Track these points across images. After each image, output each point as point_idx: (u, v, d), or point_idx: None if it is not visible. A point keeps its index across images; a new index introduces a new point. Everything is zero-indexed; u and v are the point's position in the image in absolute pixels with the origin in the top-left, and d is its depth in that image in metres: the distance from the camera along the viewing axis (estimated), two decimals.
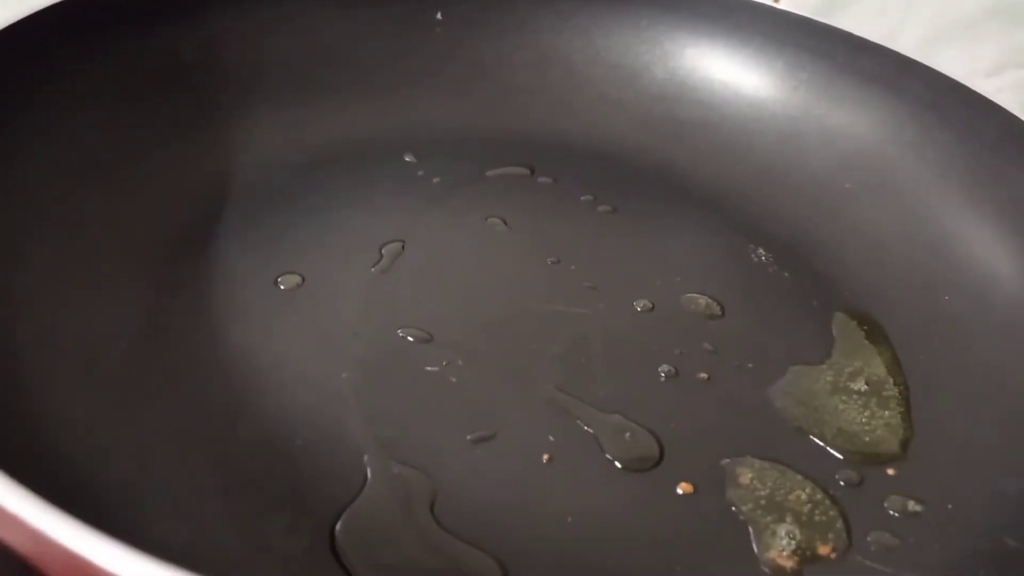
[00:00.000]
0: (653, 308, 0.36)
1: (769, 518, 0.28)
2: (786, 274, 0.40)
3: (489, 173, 0.43)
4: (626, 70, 0.49)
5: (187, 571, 0.17)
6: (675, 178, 0.45)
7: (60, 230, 0.33)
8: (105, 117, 0.37)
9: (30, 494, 0.18)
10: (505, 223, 0.40)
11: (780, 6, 0.48)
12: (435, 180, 0.42)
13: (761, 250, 0.41)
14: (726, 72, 0.48)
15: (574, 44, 0.49)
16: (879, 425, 0.32)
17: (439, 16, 0.48)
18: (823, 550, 0.28)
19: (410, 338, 0.33)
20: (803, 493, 0.29)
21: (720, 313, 0.37)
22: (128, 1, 0.39)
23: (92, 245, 0.33)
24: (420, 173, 0.43)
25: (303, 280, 0.35)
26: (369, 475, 0.28)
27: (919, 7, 0.58)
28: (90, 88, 0.37)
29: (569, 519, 0.28)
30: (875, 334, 0.36)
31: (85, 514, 0.18)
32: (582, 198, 0.43)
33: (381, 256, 0.37)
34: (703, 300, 0.37)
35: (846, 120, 0.44)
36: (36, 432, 0.26)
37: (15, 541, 0.19)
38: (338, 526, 0.26)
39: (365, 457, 0.29)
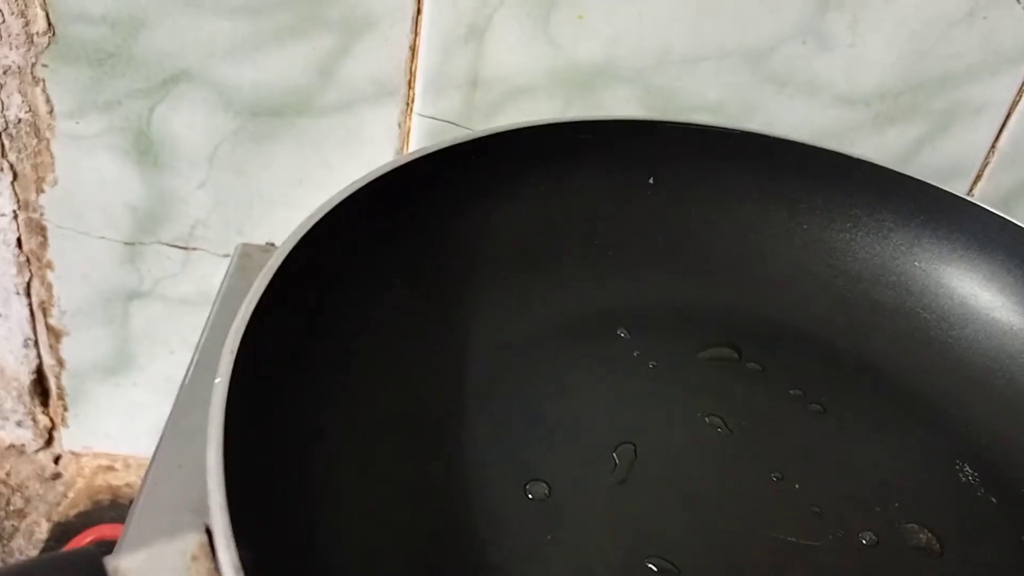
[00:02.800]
0: (878, 543, 0.37)
1: None
2: (993, 499, 0.40)
3: (700, 356, 0.45)
4: (826, 245, 0.50)
5: None
6: (875, 367, 0.46)
7: (338, 437, 0.34)
8: (367, 316, 0.39)
9: None
10: (725, 424, 0.41)
11: (979, 198, 0.48)
12: (651, 364, 0.43)
13: (968, 467, 0.42)
14: (928, 262, 0.48)
15: (777, 214, 0.50)
16: None
17: (651, 180, 0.49)
18: None
19: (655, 568, 0.35)
20: None
21: (939, 551, 0.38)
22: (382, 187, 0.40)
23: (360, 446, 0.35)
24: (636, 354, 0.44)
25: (549, 491, 0.37)
26: None
27: None
28: (349, 290, 0.39)
29: None
30: None
31: None
32: (791, 392, 0.44)
33: (615, 463, 0.39)
34: (923, 535, 0.38)
35: None
36: None
37: None
38: None
39: None
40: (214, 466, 0.26)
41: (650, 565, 0.35)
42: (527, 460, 0.38)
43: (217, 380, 0.28)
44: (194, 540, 0.25)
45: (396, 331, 0.39)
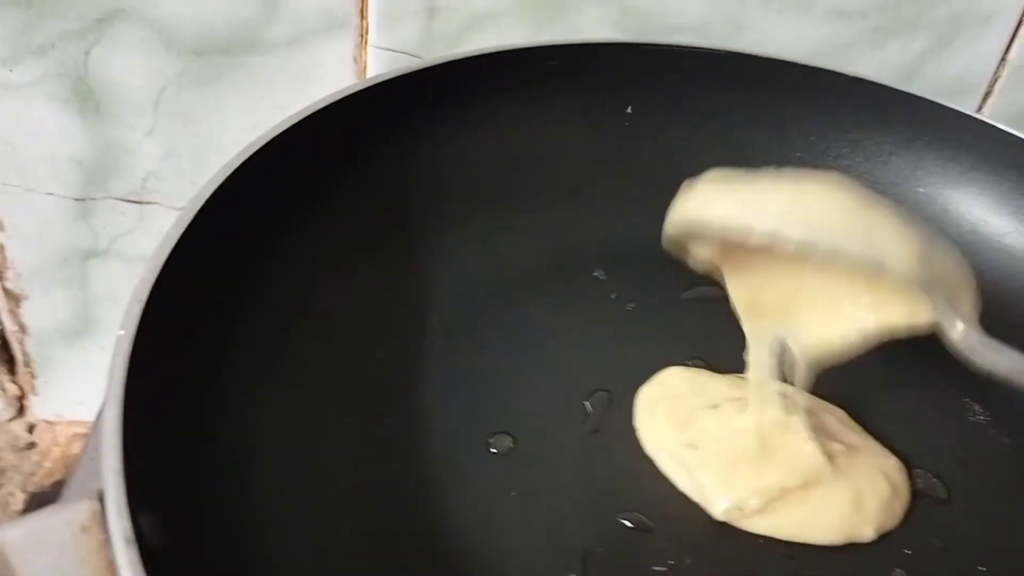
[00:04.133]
0: None
1: None
2: (1005, 440, 0.37)
3: (684, 295, 0.41)
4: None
5: None
6: None
7: (275, 388, 0.32)
8: (305, 247, 0.36)
9: None
10: (710, 368, 0.38)
11: (990, 116, 0.44)
12: (629, 307, 0.40)
13: (977, 407, 0.38)
14: (934, 187, 0.45)
15: (769, 143, 0.46)
16: None
17: (629, 110, 0.45)
18: None
19: (629, 524, 0.32)
20: None
21: (946, 497, 0.35)
22: (328, 119, 0.37)
23: (304, 401, 0.32)
24: (613, 296, 0.41)
25: (515, 443, 0.34)
26: None
27: None
28: (292, 218, 0.36)
29: None
30: None
31: None
32: None
33: (588, 412, 0.36)
34: (928, 479, 0.35)
35: None
36: None
37: None
38: None
39: None
40: (110, 426, 0.23)
41: (623, 521, 0.32)
42: (491, 412, 0.35)
43: (120, 332, 0.26)
44: (85, 509, 0.22)
45: (346, 272, 0.36)
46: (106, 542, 0.22)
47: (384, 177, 0.39)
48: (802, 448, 0.33)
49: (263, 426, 0.30)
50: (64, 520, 0.22)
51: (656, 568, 0.31)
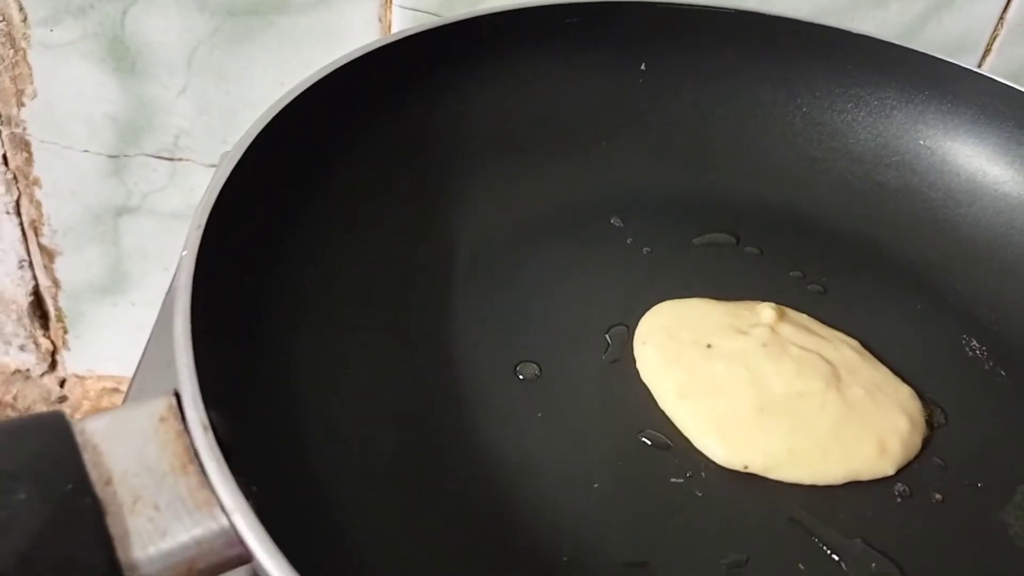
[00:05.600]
0: None
1: None
2: (1002, 372, 0.39)
3: (696, 241, 0.44)
4: (827, 128, 0.48)
5: None
6: (878, 248, 0.45)
7: (319, 321, 0.34)
8: (344, 192, 0.38)
9: None
10: None
11: (988, 71, 0.46)
12: (645, 250, 0.42)
13: (975, 342, 0.41)
14: (934, 139, 0.47)
15: (776, 97, 0.48)
16: None
17: (643, 67, 0.47)
18: None
19: (648, 442, 0.34)
20: None
21: (944, 421, 0.37)
22: (358, 70, 0.39)
23: (346, 333, 0.34)
24: (629, 240, 0.43)
25: (540, 371, 0.36)
26: None
27: None
28: (330, 164, 0.38)
29: None
30: None
31: None
32: (791, 274, 0.43)
33: (608, 344, 0.38)
34: (929, 405, 0.37)
35: None
36: (328, 533, 0.27)
37: None
38: None
39: None
40: (181, 329, 0.25)
41: (643, 439, 0.34)
42: (517, 343, 0.37)
43: (183, 253, 0.28)
44: (162, 403, 0.25)
45: (379, 215, 0.38)
46: (183, 432, 0.24)
47: (411, 128, 0.41)
48: (812, 398, 0.35)
49: (308, 350, 0.32)
50: (144, 412, 0.24)
51: (674, 480, 0.33)
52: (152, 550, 0.22)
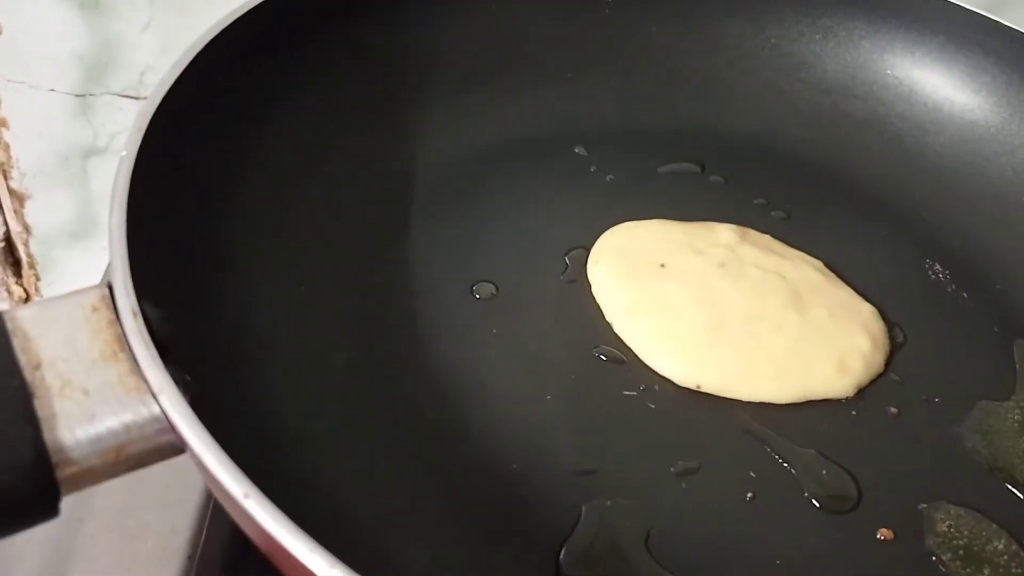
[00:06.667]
0: None
1: (969, 570, 0.29)
2: (964, 295, 0.39)
3: (660, 170, 0.43)
4: (795, 59, 0.48)
5: None
6: (844, 177, 0.45)
7: (270, 235, 0.34)
8: (300, 112, 0.37)
9: (280, 516, 0.20)
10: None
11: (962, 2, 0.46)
12: (608, 177, 0.42)
13: (938, 266, 0.40)
14: (902, 69, 0.46)
15: (744, 30, 0.48)
16: None
17: None
18: None
19: (603, 357, 0.34)
20: (999, 544, 0.30)
21: (903, 340, 0.37)
22: None
23: (297, 247, 0.34)
24: (593, 168, 0.43)
25: (497, 290, 0.36)
26: (584, 508, 0.29)
27: None
28: (287, 82, 0.37)
29: (777, 562, 0.29)
30: None
31: (329, 535, 0.19)
32: (755, 201, 0.42)
33: (567, 265, 0.38)
34: (889, 325, 0.37)
35: None
36: (284, 450, 0.27)
37: (259, 542, 0.21)
38: (562, 558, 0.28)
39: (579, 485, 0.30)
40: (116, 222, 0.25)
41: (598, 355, 0.34)
42: (475, 264, 0.37)
43: (123, 154, 0.28)
44: (95, 293, 0.24)
45: (335, 138, 0.38)
46: (114, 320, 0.24)
47: (371, 55, 0.41)
48: (769, 319, 0.35)
49: (254, 260, 0.32)
50: (75, 301, 0.24)
51: (627, 393, 0.33)
52: (80, 432, 0.22)
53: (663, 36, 0.47)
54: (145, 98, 0.51)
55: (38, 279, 0.59)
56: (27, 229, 0.56)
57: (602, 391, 0.33)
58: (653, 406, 0.33)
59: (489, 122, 0.43)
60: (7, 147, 0.52)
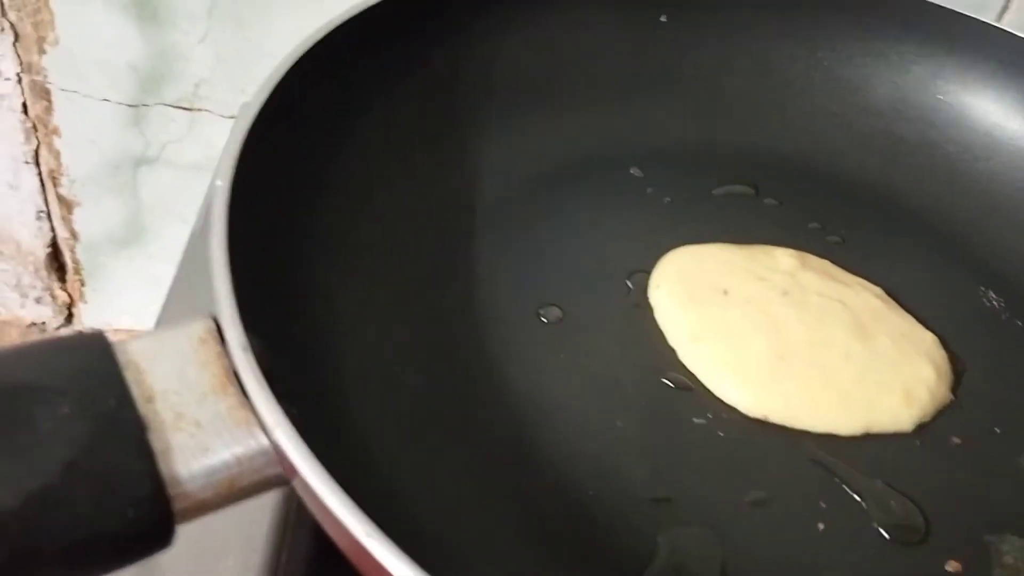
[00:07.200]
0: None
1: None
2: (1019, 322, 0.40)
3: (716, 191, 0.44)
4: (846, 82, 0.48)
5: None
6: (897, 201, 0.45)
7: (346, 261, 0.34)
8: (369, 132, 0.38)
9: (401, 554, 0.20)
10: None
11: (1007, 26, 0.46)
12: (666, 200, 0.43)
13: (992, 293, 0.41)
14: (953, 94, 0.47)
15: (796, 51, 0.48)
16: None
17: (663, 19, 0.47)
18: None
19: (671, 383, 0.35)
20: None
21: (963, 369, 0.37)
22: (383, 14, 0.39)
23: (371, 271, 0.35)
24: (649, 190, 0.43)
25: (563, 313, 0.36)
26: (660, 537, 0.30)
27: None
28: (357, 104, 0.38)
29: None
30: None
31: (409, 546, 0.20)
32: (809, 225, 0.43)
33: (630, 288, 0.38)
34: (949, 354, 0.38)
35: None
36: (381, 481, 0.28)
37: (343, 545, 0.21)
38: None
39: (654, 513, 0.30)
40: (218, 254, 0.25)
41: (665, 381, 0.35)
42: (540, 286, 0.37)
43: (218, 183, 0.28)
44: (201, 325, 0.25)
45: (402, 160, 0.38)
46: (222, 353, 0.24)
47: (434, 75, 0.42)
48: (835, 347, 0.35)
49: (342, 286, 0.32)
50: (183, 333, 0.25)
51: (696, 420, 0.33)
52: (195, 465, 0.23)
53: (716, 55, 0.48)
54: (199, 110, 0.51)
55: (83, 284, 0.59)
56: (74, 235, 0.56)
57: (672, 418, 0.33)
58: (722, 434, 0.33)
59: (546, 141, 0.44)
60: (58, 154, 0.53)
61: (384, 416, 0.30)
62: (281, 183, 0.31)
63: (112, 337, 0.54)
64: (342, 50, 0.36)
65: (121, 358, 0.24)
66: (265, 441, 0.23)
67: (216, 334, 0.25)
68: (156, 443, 0.23)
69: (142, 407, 0.23)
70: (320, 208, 0.33)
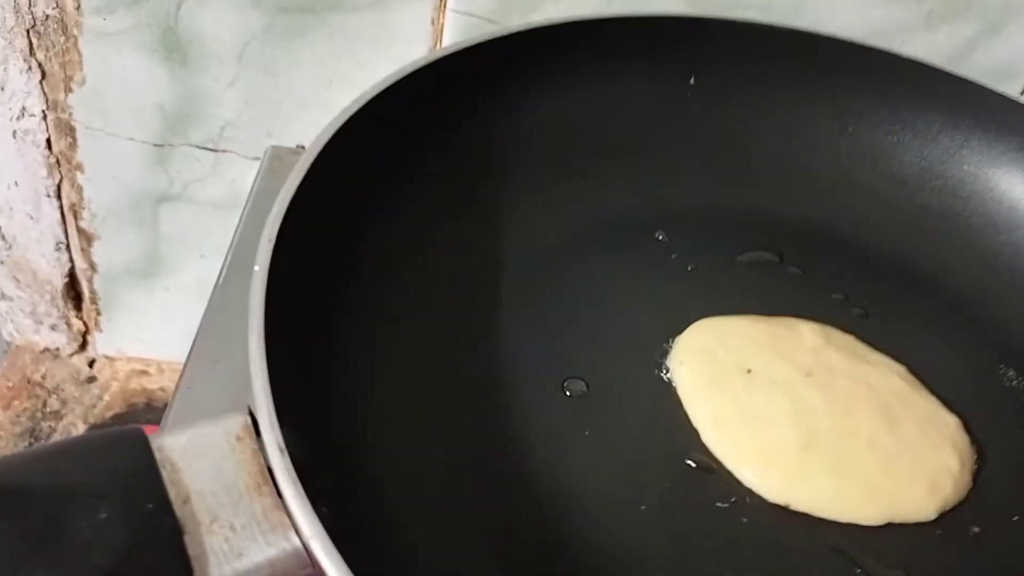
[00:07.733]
0: None
1: None
2: None
3: (740, 259, 0.44)
4: (872, 149, 0.48)
5: None
6: (919, 272, 0.45)
7: (382, 329, 0.34)
8: (398, 205, 0.38)
9: None
10: None
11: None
12: (689, 267, 0.43)
13: (1012, 372, 0.41)
14: (978, 165, 0.47)
15: (822, 117, 0.48)
16: None
17: (692, 82, 0.47)
18: None
19: (694, 464, 0.35)
20: None
21: (982, 452, 0.37)
22: (412, 86, 0.39)
23: (406, 339, 0.35)
24: (673, 256, 0.43)
25: (587, 387, 0.36)
26: None
27: None
28: (382, 179, 0.38)
29: None
30: None
31: None
32: (833, 296, 0.43)
33: (655, 361, 0.38)
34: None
35: None
36: (389, 551, 0.28)
37: None
38: None
39: None
40: (256, 350, 0.26)
41: (689, 462, 0.35)
42: (565, 358, 0.37)
43: (256, 268, 0.28)
44: (238, 422, 0.25)
45: (430, 230, 0.39)
46: (257, 451, 0.25)
47: (462, 141, 0.42)
48: (860, 436, 0.35)
49: (369, 366, 0.32)
50: (220, 430, 0.25)
51: (720, 504, 0.34)
52: (228, 570, 0.23)
53: (744, 120, 0.48)
54: (224, 151, 0.51)
55: (98, 313, 0.59)
56: (92, 267, 0.57)
57: (695, 502, 0.34)
58: (744, 520, 0.33)
59: (572, 205, 0.44)
60: (80, 189, 0.53)
61: (408, 499, 0.30)
62: (314, 266, 0.31)
63: (125, 366, 0.54)
64: (370, 127, 0.36)
65: (158, 455, 0.24)
66: (298, 543, 0.23)
67: (252, 430, 0.25)
68: (192, 547, 0.23)
69: (179, 509, 0.23)
70: (351, 288, 0.33)
